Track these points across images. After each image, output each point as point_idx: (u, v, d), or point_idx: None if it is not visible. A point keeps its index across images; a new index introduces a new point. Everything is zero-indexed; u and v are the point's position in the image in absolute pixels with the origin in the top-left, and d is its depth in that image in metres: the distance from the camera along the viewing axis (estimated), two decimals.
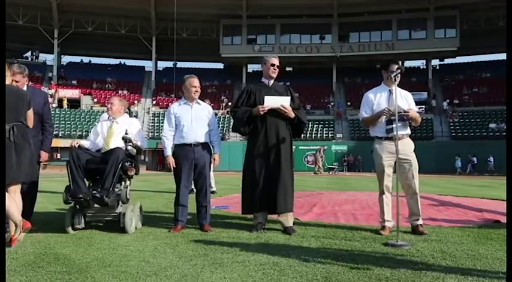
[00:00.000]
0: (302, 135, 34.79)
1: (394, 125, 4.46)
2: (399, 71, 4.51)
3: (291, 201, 4.78)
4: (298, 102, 5.07)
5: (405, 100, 4.79)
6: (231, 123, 5.13)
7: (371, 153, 4.87)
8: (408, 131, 4.80)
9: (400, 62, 4.96)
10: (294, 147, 5.38)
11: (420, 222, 4.68)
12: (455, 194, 10.45)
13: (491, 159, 30.52)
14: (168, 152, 4.89)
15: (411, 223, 4.73)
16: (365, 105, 4.89)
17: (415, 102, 5.18)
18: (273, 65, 4.93)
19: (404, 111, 4.61)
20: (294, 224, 4.82)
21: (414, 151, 4.77)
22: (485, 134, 33.41)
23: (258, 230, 4.66)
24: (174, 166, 4.83)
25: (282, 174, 4.70)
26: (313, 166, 30.19)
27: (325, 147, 31.01)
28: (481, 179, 20.98)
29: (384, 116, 4.64)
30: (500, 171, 26.99)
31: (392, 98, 4.68)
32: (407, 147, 4.72)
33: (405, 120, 4.69)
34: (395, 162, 4.64)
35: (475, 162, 31.77)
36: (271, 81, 5.00)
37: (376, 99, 4.80)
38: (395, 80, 4.48)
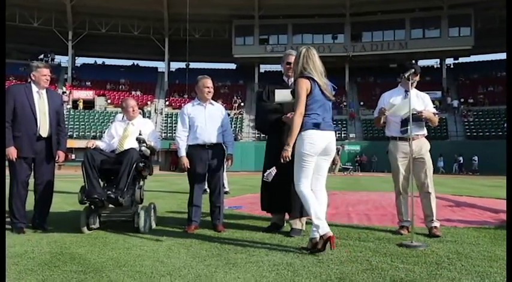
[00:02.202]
0: None
1: (408, 127, 4.45)
2: (413, 70, 4.48)
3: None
4: None
5: (421, 101, 4.78)
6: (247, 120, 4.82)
7: (387, 154, 4.85)
8: (424, 131, 4.77)
9: (414, 63, 4.95)
10: None
11: (435, 224, 4.57)
12: (470, 194, 10.34)
13: (476, 158, 31.31)
14: (182, 152, 4.87)
15: (426, 225, 4.66)
16: (378, 106, 4.93)
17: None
18: (288, 63, 4.70)
19: (418, 112, 4.59)
20: (306, 224, 4.70)
21: (430, 151, 4.75)
22: (500, 133, 32.93)
23: (272, 231, 4.65)
24: (189, 167, 4.84)
25: None
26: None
27: (344, 147, 30.70)
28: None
29: (386, 116, 4.72)
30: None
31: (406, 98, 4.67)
32: (422, 147, 4.69)
33: (420, 120, 4.66)
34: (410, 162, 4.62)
35: (461, 161, 32.13)
36: (291, 80, 4.62)
37: (391, 100, 4.79)
38: (409, 80, 4.45)
